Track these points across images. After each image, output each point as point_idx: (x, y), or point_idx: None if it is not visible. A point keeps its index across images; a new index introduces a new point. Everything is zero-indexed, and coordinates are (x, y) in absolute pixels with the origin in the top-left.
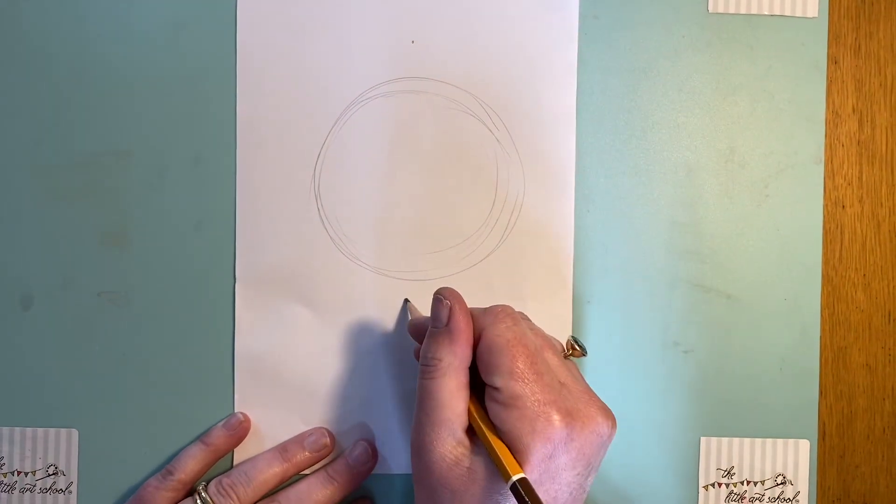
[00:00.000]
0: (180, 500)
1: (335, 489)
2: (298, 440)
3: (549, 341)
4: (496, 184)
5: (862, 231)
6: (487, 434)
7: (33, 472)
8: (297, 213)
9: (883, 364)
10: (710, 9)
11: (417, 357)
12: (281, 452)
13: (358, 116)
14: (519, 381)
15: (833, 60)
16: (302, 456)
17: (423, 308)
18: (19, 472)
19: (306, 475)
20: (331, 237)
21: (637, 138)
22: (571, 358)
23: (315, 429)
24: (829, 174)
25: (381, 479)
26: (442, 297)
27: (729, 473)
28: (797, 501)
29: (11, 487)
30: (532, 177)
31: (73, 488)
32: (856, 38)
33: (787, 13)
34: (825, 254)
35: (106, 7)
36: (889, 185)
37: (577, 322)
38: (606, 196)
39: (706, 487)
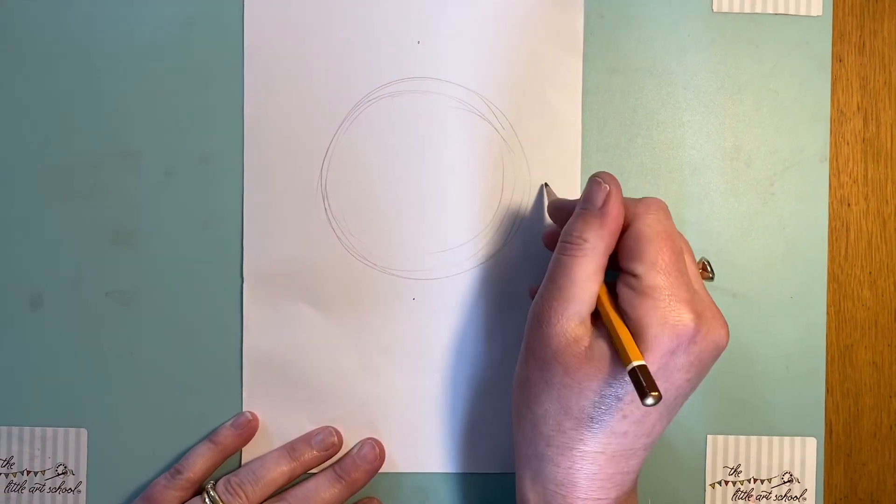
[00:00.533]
0: (188, 499)
1: (343, 487)
2: (306, 439)
3: (689, 247)
4: (502, 182)
5: (868, 228)
6: (614, 318)
7: (43, 472)
8: (305, 212)
9: (889, 362)
10: (715, 8)
11: (546, 241)
12: (289, 451)
13: (365, 116)
14: (660, 273)
15: (838, 58)
16: (310, 454)
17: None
18: (29, 472)
19: (314, 474)
20: (338, 236)
21: (642, 137)
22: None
23: (323, 427)
24: (835, 172)
25: (388, 478)
26: (601, 181)
27: (736, 471)
28: (804, 499)
29: (21, 487)
30: (538, 175)
31: (83, 487)
32: (860, 36)
33: (792, 12)
34: (831, 251)
35: (113, 7)
36: (894, 182)
37: None
38: None
39: (713, 485)
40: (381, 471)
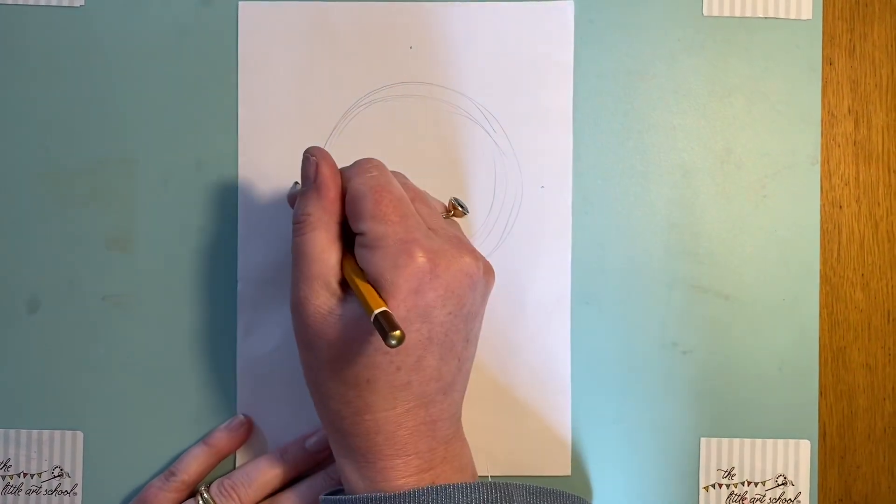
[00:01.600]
0: (182, 501)
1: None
2: (299, 442)
3: (422, 195)
4: (494, 186)
5: (860, 231)
6: (354, 278)
7: (39, 474)
8: None
9: (883, 364)
10: (706, 12)
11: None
12: (282, 454)
13: (357, 121)
14: (381, 222)
15: (828, 61)
16: (303, 457)
17: None
18: (25, 474)
19: (308, 476)
20: None
21: (633, 140)
22: (454, 219)
23: (316, 430)
24: (826, 175)
25: None
26: (309, 155)
27: (729, 474)
28: (798, 502)
29: (18, 489)
30: (530, 179)
31: (78, 490)
32: (850, 40)
33: (782, 15)
34: (823, 254)
35: (111, 16)
36: (886, 184)
37: (575, 323)
38: (604, 198)
39: (707, 488)
40: None
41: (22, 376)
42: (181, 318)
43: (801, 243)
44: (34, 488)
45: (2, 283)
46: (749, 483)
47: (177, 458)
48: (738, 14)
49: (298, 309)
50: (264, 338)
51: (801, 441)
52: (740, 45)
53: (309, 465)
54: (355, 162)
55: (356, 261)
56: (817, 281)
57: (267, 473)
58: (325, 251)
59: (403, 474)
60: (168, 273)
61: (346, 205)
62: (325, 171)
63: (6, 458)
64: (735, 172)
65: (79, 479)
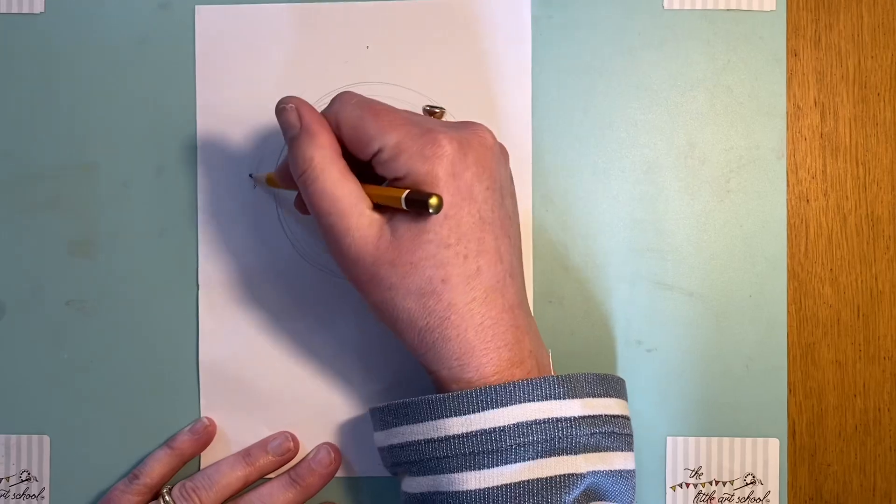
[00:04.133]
0: None
1: (298, 492)
2: (262, 444)
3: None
4: None
5: (828, 225)
6: (388, 190)
7: (7, 478)
8: (258, 220)
9: (853, 360)
10: (666, 5)
11: (299, 208)
12: (244, 456)
13: None
14: (390, 131)
15: (793, 53)
16: (265, 460)
17: None
18: None
19: (270, 479)
20: (291, 242)
21: (595, 137)
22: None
23: (279, 433)
24: (793, 168)
25: (344, 483)
26: (285, 105)
27: (697, 473)
28: (768, 501)
29: None
30: None
31: (46, 493)
32: (815, 30)
33: (745, 7)
34: (790, 249)
35: (70, 22)
36: (854, 177)
37: (538, 321)
38: (566, 195)
39: (674, 488)
40: (338, 475)
41: None
42: (144, 321)
43: (768, 238)
44: (2, 492)
45: None
46: (717, 482)
47: (142, 461)
48: (699, 7)
49: (349, 252)
50: (226, 340)
51: (770, 439)
52: (702, 39)
53: (272, 467)
54: (333, 98)
55: (380, 184)
56: (784, 277)
57: (229, 476)
58: (343, 185)
59: (497, 368)
60: (130, 277)
61: (344, 139)
62: (309, 113)
63: None
64: (699, 167)
65: (46, 482)
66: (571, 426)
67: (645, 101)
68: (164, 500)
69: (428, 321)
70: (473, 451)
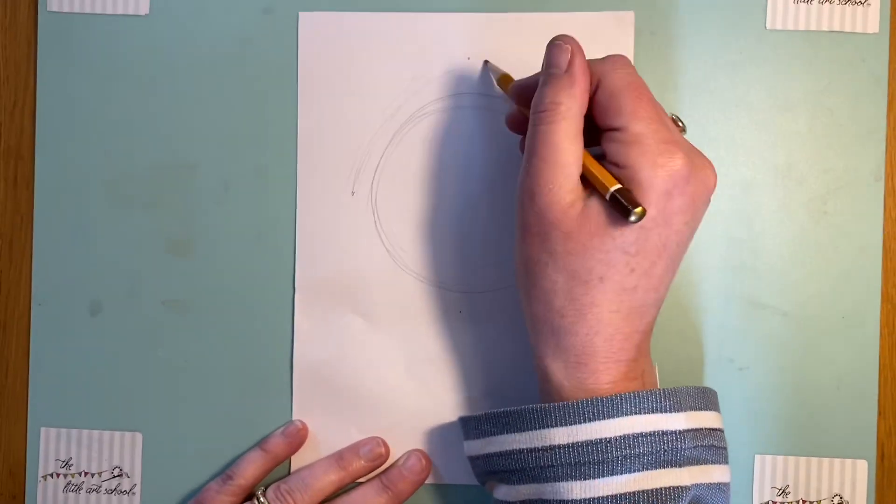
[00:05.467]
0: None
1: (389, 498)
2: (354, 449)
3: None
4: None
5: None
6: (598, 169)
7: (99, 474)
8: (355, 225)
9: None
10: (769, 25)
11: (510, 123)
12: (337, 460)
13: (415, 131)
14: (642, 120)
15: (895, 76)
16: (357, 464)
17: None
18: (86, 473)
19: (361, 483)
20: (387, 249)
21: None
22: None
23: (370, 438)
24: (890, 191)
25: (434, 490)
26: (561, 42)
27: (784, 492)
28: None
29: (79, 487)
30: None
31: (137, 490)
32: None
33: (847, 29)
34: (885, 272)
35: (174, 24)
36: None
37: None
38: None
39: None
40: (426, 482)
41: (84, 377)
42: (239, 322)
43: (863, 260)
44: (94, 487)
45: (65, 286)
46: (804, 502)
47: (233, 461)
48: (802, 28)
49: (536, 198)
50: (320, 344)
51: (859, 461)
52: (804, 59)
53: (363, 472)
54: (605, 57)
55: (599, 159)
56: (878, 299)
57: (323, 479)
58: (572, 143)
59: (612, 378)
60: (227, 278)
61: (597, 99)
62: (580, 61)
63: (68, 458)
64: (796, 188)
65: (138, 479)
66: (676, 439)
67: (744, 119)
68: (260, 502)
69: (564, 304)
70: (579, 461)
